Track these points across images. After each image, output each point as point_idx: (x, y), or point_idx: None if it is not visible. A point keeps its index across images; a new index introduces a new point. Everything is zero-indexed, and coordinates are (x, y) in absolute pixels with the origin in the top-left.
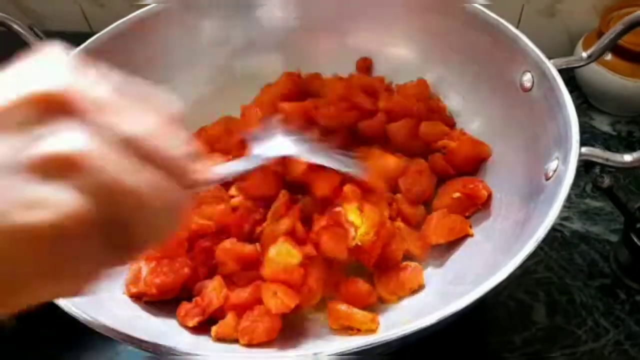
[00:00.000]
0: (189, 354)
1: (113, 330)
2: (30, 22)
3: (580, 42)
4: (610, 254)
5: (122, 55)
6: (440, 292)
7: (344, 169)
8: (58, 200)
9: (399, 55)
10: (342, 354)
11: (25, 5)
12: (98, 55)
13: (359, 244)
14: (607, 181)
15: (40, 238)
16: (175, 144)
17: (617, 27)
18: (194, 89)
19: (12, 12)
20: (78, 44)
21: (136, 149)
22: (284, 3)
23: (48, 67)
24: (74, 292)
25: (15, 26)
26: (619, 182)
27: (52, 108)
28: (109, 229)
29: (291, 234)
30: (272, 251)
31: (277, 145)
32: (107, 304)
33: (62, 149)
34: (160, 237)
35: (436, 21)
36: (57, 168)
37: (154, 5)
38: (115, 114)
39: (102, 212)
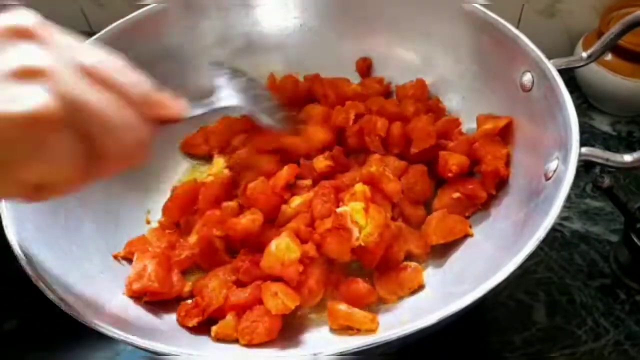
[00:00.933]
0: (188, 354)
1: (113, 330)
2: None
3: (580, 42)
4: (610, 254)
5: (125, 53)
6: (441, 292)
7: (277, 127)
8: (32, 97)
9: (399, 56)
10: (342, 354)
11: (26, 5)
12: None
13: (362, 244)
14: (607, 181)
15: (21, 123)
16: (132, 78)
17: (617, 27)
18: (194, 89)
19: None
20: None
21: (94, 76)
22: (284, 3)
23: (17, 14)
24: (55, 187)
25: None
26: (619, 182)
27: (21, 35)
28: (76, 133)
29: (296, 231)
30: (273, 245)
31: (228, 95)
32: (107, 304)
33: (29, 61)
34: (126, 158)
35: (436, 21)
36: (28, 75)
37: (154, 5)
38: (75, 50)
39: (67, 115)
